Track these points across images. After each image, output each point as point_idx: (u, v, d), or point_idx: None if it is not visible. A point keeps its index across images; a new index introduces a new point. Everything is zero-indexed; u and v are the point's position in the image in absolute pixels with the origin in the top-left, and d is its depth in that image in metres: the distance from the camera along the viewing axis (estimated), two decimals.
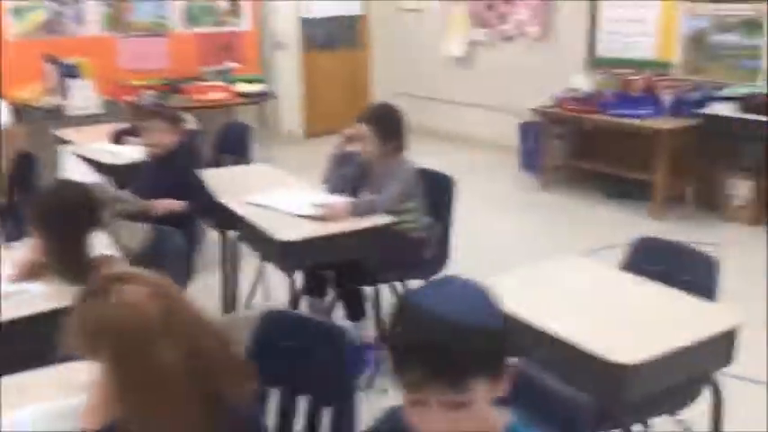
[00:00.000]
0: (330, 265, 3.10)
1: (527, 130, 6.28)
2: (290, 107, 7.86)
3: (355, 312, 3.15)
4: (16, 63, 6.22)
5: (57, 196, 2.44)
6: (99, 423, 1.43)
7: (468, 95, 7.45)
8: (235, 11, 7.30)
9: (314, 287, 3.32)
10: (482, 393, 1.06)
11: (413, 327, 1.07)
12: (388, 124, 3.12)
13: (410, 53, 8.03)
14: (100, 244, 2.41)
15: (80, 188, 2.52)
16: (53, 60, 6.29)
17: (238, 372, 1.53)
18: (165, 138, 3.29)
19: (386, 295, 3.22)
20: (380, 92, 7.87)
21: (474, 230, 4.31)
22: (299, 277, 3.19)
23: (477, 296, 1.10)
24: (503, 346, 1.09)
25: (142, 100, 4.30)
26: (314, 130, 7.79)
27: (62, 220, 2.34)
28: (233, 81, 6.78)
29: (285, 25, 7.74)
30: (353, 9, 8.11)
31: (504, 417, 1.17)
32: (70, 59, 6.32)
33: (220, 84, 6.62)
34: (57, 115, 5.96)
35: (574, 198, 5.71)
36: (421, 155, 3.41)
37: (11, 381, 1.75)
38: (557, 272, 2.42)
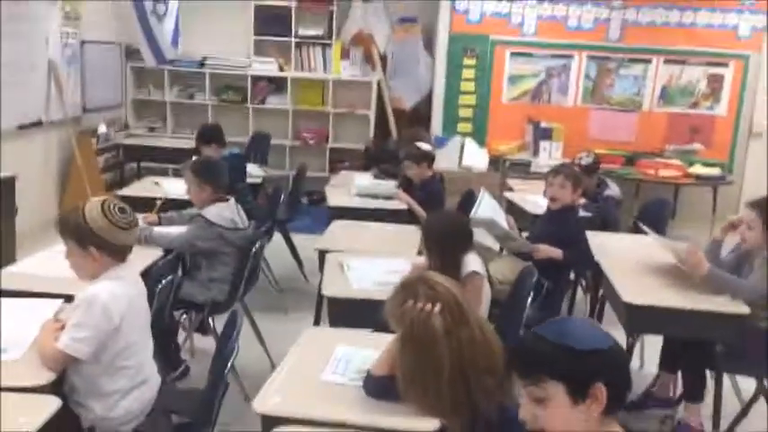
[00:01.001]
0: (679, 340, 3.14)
1: None
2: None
3: (695, 395, 3.11)
4: (503, 122, 7.39)
5: (445, 221, 3.11)
6: (384, 370, 1.99)
7: None
8: (714, 95, 7.28)
9: (669, 363, 3.37)
10: (560, 398, 1.34)
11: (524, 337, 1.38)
12: None
13: None
14: (474, 264, 2.99)
15: (463, 219, 3.16)
16: (533, 123, 7.28)
17: (495, 384, 1.93)
18: (566, 195, 3.74)
19: (726, 388, 3.09)
20: None
21: None
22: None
23: (583, 329, 1.35)
24: (587, 367, 1.36)
25: (578, 159, 4.79)
26: None
27: (445, 239, 2.98)
28: (692, 162, 6.81)
29: (762, 114, 7.36)
30: None
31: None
32: (548, 124, 7.22)
33: (677, 163, 6.73)
34: (524, 169, 6.88)
35: None
36: None
37: None
38: None
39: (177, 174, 6.34)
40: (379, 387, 1.98)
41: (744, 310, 2.90)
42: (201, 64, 7.57)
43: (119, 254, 2.17)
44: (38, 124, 5.95)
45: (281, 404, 1.94)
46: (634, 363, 3.78)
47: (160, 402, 2.28)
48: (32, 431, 1.75)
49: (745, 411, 3.12)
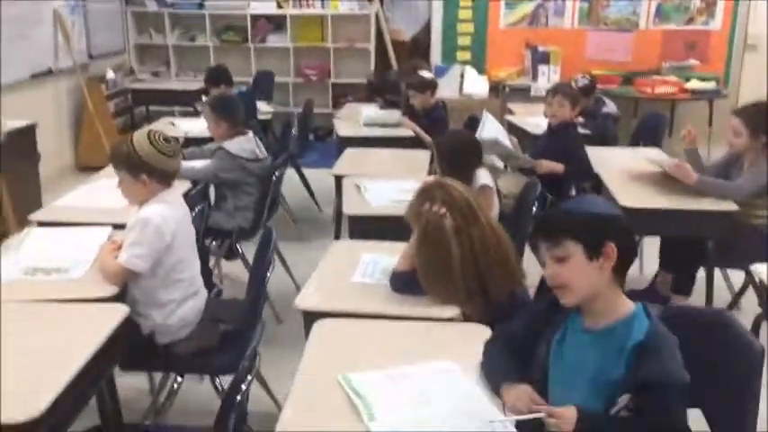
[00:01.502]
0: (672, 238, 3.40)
1: None
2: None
3: (683, 287, 3.40)
4: (501, 48, 7.51)
5: (456, 138, 3.33)
6: (406, 266, 2.26)
7: None
8: (708, 10, 7.37)
9: (665, 261, 3.64)
10: (578, 256, 1.60)
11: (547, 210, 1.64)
12: (759, 120, 3.23)
13: None
14: (484, 177, 3.23)
15: (472, 137, 3.38)
16: (531, 47, 7.39)
17: (505, 274, 2.19)
18: (564, 112, 3.95)
19: (719, 281, 3.37)
20: None
21: None
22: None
23: (596, 201, 1.60)
24: (600, 229, 1.61)
25: (574, 81, 4.96)
26: None
27: (457, 155, 3.20)
28: (688, 78, 6.96)
29: (758, 27, 7.46)
30: None
31: (630, 304, 1.63)
32: (545, 47, 7.34)
33: (673, 79, 6.88)
34: (524, 94, 7.04)
35: None
36: None
37: None
38: None
39: (185, 114, 6.55)
40: (402, 282, 2.24)
41: (732, 207, 3.15)
42: (201, 5, 7.66)
43: (165, 179, 2.41)
44: (48, 73, 6.12)
45: (319, 302, 2.21)
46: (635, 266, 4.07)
47: (208, 312, 2.55)
48: (107, 334, 2.01)
49: (735, 301, 3.40)
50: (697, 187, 3.26)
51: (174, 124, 5.05)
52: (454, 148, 3.24)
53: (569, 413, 1.53)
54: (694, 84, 6.82)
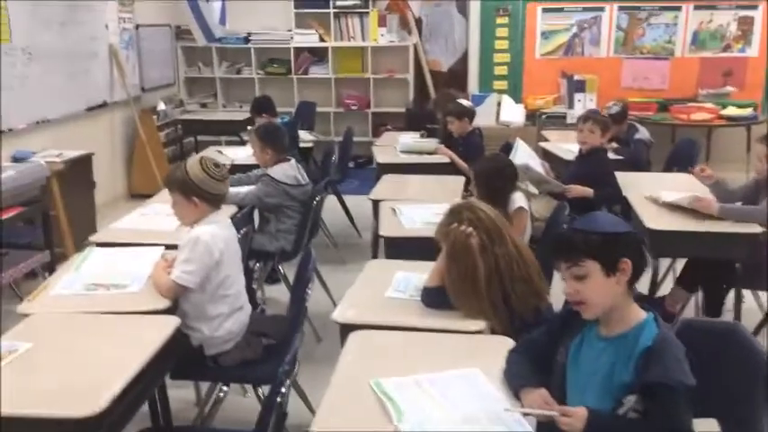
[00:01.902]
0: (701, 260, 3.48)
1: None
2: None
3: (714, 311, 3.46)
4: (537, 77, 7.67)
5: (493, 163, 3.49)
6: (436, 282, 2.41)
7: None
8: (745, 37, 7.43)
9: (687, 281, 3.71)
10: (596, 273, 1.73)
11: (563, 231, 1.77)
12: None
13: None
14: (520, 201, 3.38)
15: (509, 162, 3.53)
16: (567, 76, 7.53)
17: (529, 291, 2.33)
18: (595, 138, 4.08)
19: (749, 301, 3.42)
20: None
21: None
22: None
23: (608, 219, 1.74)
24: (616, 247, 1.74)
25: (607, 108, 5.09)
26: None
27: (494, 179, 3.35)
28: (724, 105, 7.01)
29: None
30: None
31: (642, 313, 1.76)
32: (581, 76, 7.47)
33: (709, 106, 6.93)
34: (560, 122, 7.16)
35: None
36: None
37: None
38: None
39: (231, 143, 6.83)
40: (432, 297, 2.39)
41: (756, 230, 3.23)
42: (247, 40, 8.00)
43: (215, 201, 2.62)
44: (103, 105, 6.47)
45: (355, 315, 2.37)
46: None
47: (252, 326, 2.73)
48: (161, 342, 2.20)
49: (765, 321, 3.45)
50: (720, 216, 3.34)
51: (221, 152, 5.31)
52: (491, 172, 3.40)
53: (581, 412, 1.66)
54: (731, 110, 6.86)
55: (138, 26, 7.06)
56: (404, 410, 1.77)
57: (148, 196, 4.18)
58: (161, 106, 7.31)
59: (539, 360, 1.91)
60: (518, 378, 1.87)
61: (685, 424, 1.68)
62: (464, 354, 2.11)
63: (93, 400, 1.86)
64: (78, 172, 5.24)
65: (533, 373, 1.87)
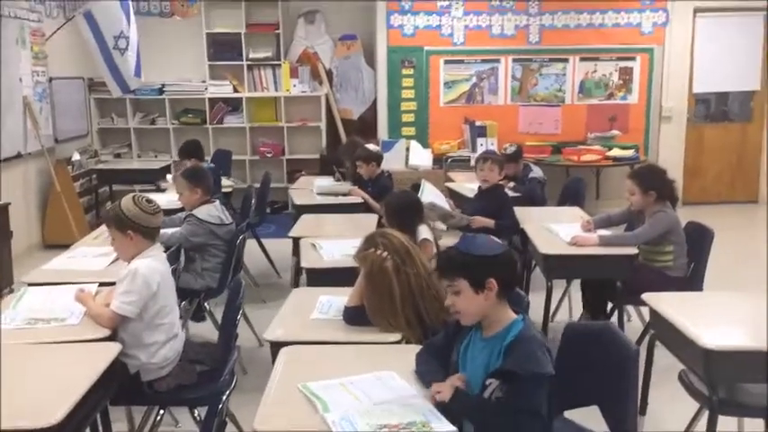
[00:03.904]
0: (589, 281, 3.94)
1: None
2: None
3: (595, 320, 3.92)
4: (442, 123, 8.19)
5: (402, 198, 3.84)
6: (355, 302, 2.71)
7: None
8: (626, 86, 8.21)
9: (589, 304, 4.16)
10: (466, 289, 2.08)
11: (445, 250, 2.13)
12: (647, 179, 3.84)
13: None
14: (425, 233, 3.72)
15: (416, 197, 3.89)
16: (469, 122, 8.09)
17: (439, 306, 2.65)
18: (494, 176, 4.54)
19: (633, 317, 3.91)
20: None
21: None
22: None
23: (484, 242, 2.09)
24: (483, 268, 2.08)
25: (504, 149, 5.60)
26: (692, 197, 8.15)
27: (403, 211, 3.69)
28: (611, 147, 7.70)
29: (672, 100, 8.31)
30: (750, 84, 8.29)
31: (512, 315, 2.13)
32: (482, 122, 8.04)
33: (597, 148, 7.61)
34: (464, 164, 7.66)
35: None
36: None
37: None
38: None
39: (147, 191, 6.95)
40: (353, 315, 2.68)
41: (633, 251, 3.71)
42: (161, 91, 8.18)
43: (149, 234, 2.84)
44: (18, 156, 6.50)
45: (284, 334, 2.63)
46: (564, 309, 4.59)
47: (186, 353, 2.94)
48: (105, 365, 2.39)
49: (645, 332, 3.90)
50: (602, 245, 3.81)
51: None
52: (400, 205, 3.75)
53: (446, 386, 2.03)
54: (616, 152, 7.56)
55: (51, 79, 7.15)
56: (329, 403, 2.04)
57: (64, 246, 4.27)
58: (75, 156, 7.37)
59: (439, 359, 2.24)
60: (427, 374, 2.19)
61: (534, 405, 1.98)
62: (382, 360, 2.39)
63: (47, 416, 2.02)
64: None
65: (439, 369, 2.19)
